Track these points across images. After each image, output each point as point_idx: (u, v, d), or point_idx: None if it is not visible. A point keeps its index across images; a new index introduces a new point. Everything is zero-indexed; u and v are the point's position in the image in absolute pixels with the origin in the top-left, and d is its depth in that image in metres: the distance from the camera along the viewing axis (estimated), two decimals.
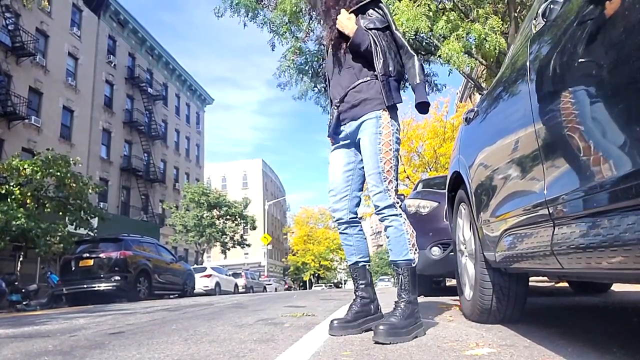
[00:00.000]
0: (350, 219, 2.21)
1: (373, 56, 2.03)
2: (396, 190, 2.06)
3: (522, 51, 1.65)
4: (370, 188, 2.07)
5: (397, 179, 2.08)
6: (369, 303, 2.13)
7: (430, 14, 8.74)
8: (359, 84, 2.09)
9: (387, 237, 2.06)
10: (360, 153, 2.14)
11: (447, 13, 8.78)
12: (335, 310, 3.51)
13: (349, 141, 2.20)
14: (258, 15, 11.37)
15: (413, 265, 2.00)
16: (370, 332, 1.91)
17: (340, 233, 2.24)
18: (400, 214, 2.03)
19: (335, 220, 2.23)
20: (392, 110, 2.08)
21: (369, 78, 2.08)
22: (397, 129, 2.09)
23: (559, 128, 1.25)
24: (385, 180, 2.02)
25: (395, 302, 1.98)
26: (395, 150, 2.06)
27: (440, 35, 8.82)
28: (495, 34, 8.41)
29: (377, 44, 2.04)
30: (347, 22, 2.11)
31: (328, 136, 2.29)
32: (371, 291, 2.17)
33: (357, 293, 2.16)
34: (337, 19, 2.15)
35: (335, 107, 2.18)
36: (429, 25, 8.45)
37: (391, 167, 2.03)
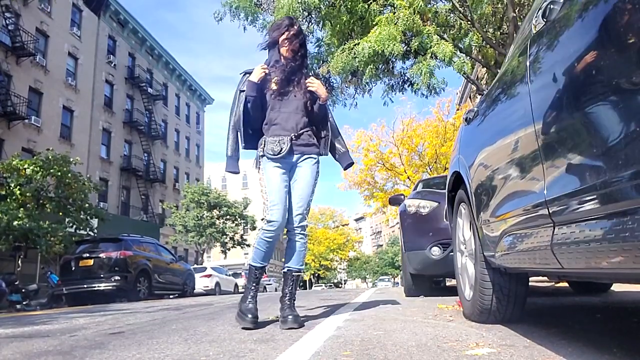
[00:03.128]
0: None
1: (327, 123, 2.81)
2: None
3: (521, 51, 1.65)
4: (299, 209, 2.63)
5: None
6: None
7: (412, 29, 8.59)
8: (309, 129, 2.68)
9: (295, 248, 2.65)
10: (293, 177, 2.66)
11: (426, 26, 8.66)
12: (335, 310, 3.51)
13: (289, 166, 2.63)
14: (258, 19, 11.39)
15: (302, 273, 2.77)
16: (371, 333, 1.91)
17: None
18: (307, 235, 2.72)
19: (276, 228, 2.54)
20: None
21: (314, 128, 2.74)
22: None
23: (558, 128, 1.25)
24: (308, 208, 2.68)
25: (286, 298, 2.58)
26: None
27: (414, 51, 8.91)
28: (464, 52, 8.54)
29: (329, 116, 2.84)
30: (323, 89, 2.69)
31: (275, 155, 2.61)
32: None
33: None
34: (312, 80, 2.68)
35: (290, 139, 2.58)
36: (401, 48, 8.40)
37: (311, 201, 2.71)
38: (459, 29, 9.61)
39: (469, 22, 9.38)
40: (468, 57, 9.54)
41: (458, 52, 8.89)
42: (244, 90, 2.65)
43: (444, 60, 8.34)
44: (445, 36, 9.09)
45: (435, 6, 9.55)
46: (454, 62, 8.31)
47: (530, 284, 2.25)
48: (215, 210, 29.04)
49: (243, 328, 2.40)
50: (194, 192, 27.97)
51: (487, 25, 10.94)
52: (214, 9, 11.44)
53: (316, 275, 53.93)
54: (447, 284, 7.58)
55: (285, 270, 2.72)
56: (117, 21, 26.51)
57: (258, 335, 2.19)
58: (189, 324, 2.96)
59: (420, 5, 8.24)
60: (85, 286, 9.85)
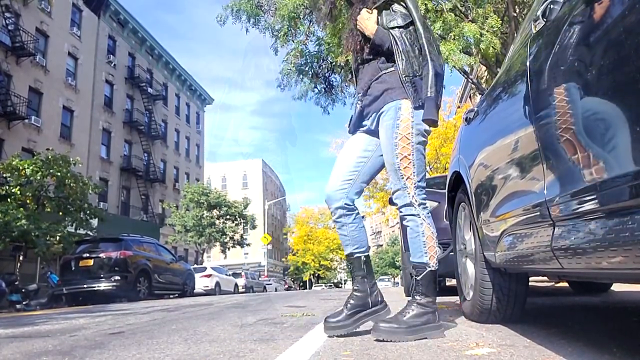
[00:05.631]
0: (345, 204, 2.06)
1: (395, 57, 1.98)
2: (418, 186, 1.97)
3: (521, 51, 1.65)
4: (390, 185, 2.03)
5: (419, 174, 1.97)
6: (365, 296, 2.02)
7: (429, 14, 8.72)
8: (381, 74, 2.03)
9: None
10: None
11: (444, 14, 8.77)
12: (335, 310, 3.51)
13: (372, 132, 2.13)
14: (260, 21, 11.41)
15: (428, 268, 1.92)
16: (367, 333, 1.91)
17: (335, 222, 2.09)
18: (418, 214, 1.96)
19: (333, 209, 2.08)
20: (421, 106, 1.97)
21: (392, 69, 2.01)
22: (421, 121, 1.96)
23: (558, 128, 1.25)
24: (402, 178, 1.95)
25: (408, 301, 1.95)
26: (418, 144, 1.96)
27: (438, 36, 8.86)
28: (490, 33, 8.40)
29: (398, 44, 1.97)
30: (366, 22, 2.06)
31: (349, 132, 2.22)
32: (368, 283, 2.04)
33: (353, 286, 2.08)
34: (357, 19, 2.10)
35: (359, 101, 2.12)
36: None
37: (410, 162, 1.94)
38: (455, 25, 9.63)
39: (469, 22, 9.39)
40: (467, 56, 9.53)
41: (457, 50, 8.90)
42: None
43: (473, 39, 8.32)
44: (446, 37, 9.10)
45: (437, 5, 9.56)
46: (482, 42, 8.21)
47: (530, 284, 2.25)
48: (215, 210, 29.05)
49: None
50: (194, 192, 27.99)
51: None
52: (214, 10, 11.55)
53: (316, 275, 53.95)
54: (447, 284, 7.58)
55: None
56: (117, 21, 26.50)
57: (258, 335, 2.19)
58: (189, 324, 2.96)
59: None
60: (85, 286, 9.86)
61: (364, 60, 2.13)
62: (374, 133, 2.10)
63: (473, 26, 8.31)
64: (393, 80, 1.99)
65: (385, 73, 2.02)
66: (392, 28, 2.01)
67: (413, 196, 1.96)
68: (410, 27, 2.01)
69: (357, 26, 2.10)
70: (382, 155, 2.06)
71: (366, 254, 2.09)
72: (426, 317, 1.87)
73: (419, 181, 1.97)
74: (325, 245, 50.64)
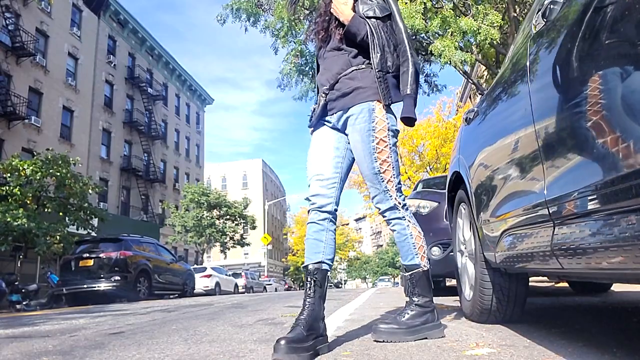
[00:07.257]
0: (334, 210, 1.90)
1: (369, 49, 1.84)
2: (399, 189, 1.90)
3: (521, 51, 1.65)
4: (369, 190, 1.90)
5: (398, 176, 1.89)
6: (317, 319, 1.72)
7: (429, 13, 8.76)
8: (352, 70, 1.88)
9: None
10: (350, 143, 1.92)
11: (442, 12, 8.81)
12: (335, 310, 3.51)
13: (337, 129, 1.97)
14: (259, 20, 11.44)
15: (421, 270, 1.89)
16: (367, 333, 1.91)
17: (314, 223, 1.88)
18: (403, 217, 1.88)
19: (317, 208, 1.87)
20: (389, 107, 1.89)
21: (363, 66, 1.87)
22: (394, 122, 1.90)
23: (558, 128, 1.25)
24: (383, 181, 1.84)
25: (406, 302, 1.93)
26: (393, 145, 1.87)
27: (435, 33, 8.90)
28: (488, 26, 8.40)
29: (375, 35, 1.84)
30: (342, 7, 1.91)
31: (309, 127, 2.02)
32: (323, 305, 1.79)
33: (308, 301, 1.75)
34: (331, 2, 1.96)
35: (323, 95, 1.92)
36: (425, 24, 8.45)
37: (390, 165, 1.84)
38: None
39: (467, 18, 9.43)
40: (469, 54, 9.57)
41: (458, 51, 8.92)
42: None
43: (472, 34, 8.35)
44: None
45: (436, 3, 9.59)
46: (479, 34, 8.23)
47: (530, 284, 2.25)
48: (215, 211, 29.05)
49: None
50: (194, 192, 27.99)
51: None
52: (213, 11, 11.60)
53: None
54: (447, 284, 7.58)
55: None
56: (117, 21, 26.51)
57: (258, 335, 2.19)
58: (189, 324, 2.96)
59: None
60: (85, 286, 9.86)
61: (332, 49, 1.96)
62: (339, 131, 1.96)
63: (470, 20, 8.32)
64: (365, 79, 1.86)
65: (356, 69, 1.88)
66: (369, 18, 1.88)
67: (396, 199, 1.87)
68: (388, 21, 1.92)
69: (332, 10, 1.95)
70: (352, 155, 1.95)
71: (330, 270, 1.90)
72: (425, 317, 1.87)
73: (398, 183, 1.90)
74: None
